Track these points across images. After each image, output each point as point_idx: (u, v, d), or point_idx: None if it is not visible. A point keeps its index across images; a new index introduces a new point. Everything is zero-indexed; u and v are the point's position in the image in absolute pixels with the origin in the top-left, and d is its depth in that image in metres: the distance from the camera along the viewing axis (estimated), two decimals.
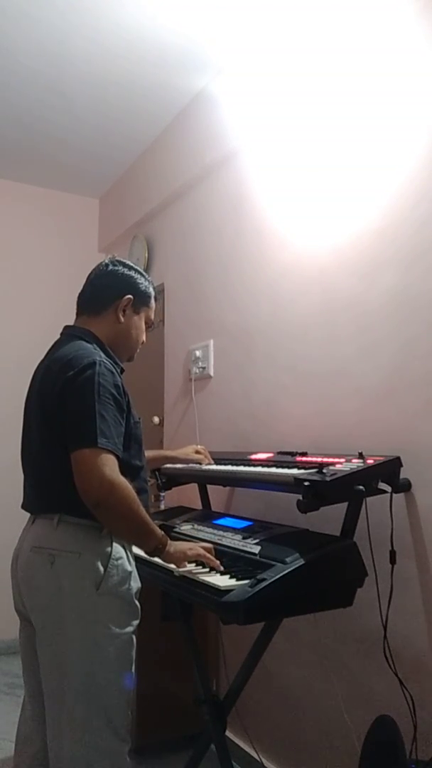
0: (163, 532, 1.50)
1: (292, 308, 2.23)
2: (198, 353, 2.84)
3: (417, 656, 1.64)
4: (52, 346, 1.62)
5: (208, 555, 1.58)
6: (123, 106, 3.03)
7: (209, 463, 2.18)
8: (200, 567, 1.59)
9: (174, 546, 1.53)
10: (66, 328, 1.66)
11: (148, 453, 1.80)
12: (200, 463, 2.17)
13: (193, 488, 2.51)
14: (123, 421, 1.47)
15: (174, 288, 3.17)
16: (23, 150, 3.50)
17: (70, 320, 1.70)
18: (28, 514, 1.58)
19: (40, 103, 3.02)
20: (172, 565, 1.58)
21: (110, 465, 1.36)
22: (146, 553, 1.51)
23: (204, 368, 2.79)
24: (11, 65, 2.73)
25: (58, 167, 3.71)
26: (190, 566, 1.59)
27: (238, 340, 2.57)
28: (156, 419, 3.22)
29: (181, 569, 1.57)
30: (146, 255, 3.43)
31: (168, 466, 2.25)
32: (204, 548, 1.59)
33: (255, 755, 2.22)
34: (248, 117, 2.52)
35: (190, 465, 2.18)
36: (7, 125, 3.23)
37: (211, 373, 2.75)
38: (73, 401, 1.41)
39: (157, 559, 1.54)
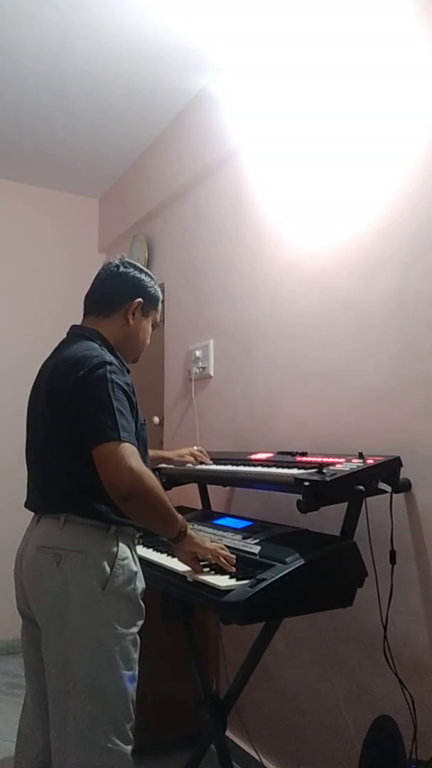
0: (182, 516, 1.51)
1: (292, 308, 2.23)
2: (198, 353, 2.84)
3: (417, 656, 1.64)
4: (59, 345, 1.61)
5: (228, 555, 1.57)
6: (123, 106, 3.03)
7: (201, 464, 2.17)
8: (207, 569, 1.58)
9: (194, 532, 1.54)
10: (73, 327, 1.66)
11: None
12: (192, 464, 2.16)
13: (193, 488, 2.51)
14: (133, 419, 1.47)
15: (174, 288, 3.16)
16: (23, 150, 3.50)
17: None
18: (30, 514, 1.57)
19: (40, 103, 3.02)
20: (184, 567, 1.57)
21: (136, 456, 1.38)
22: (170, 539, 1.51)
23: (204, 368, 2.79)
24: (11, 65, 2.72)
25: (58, 167, 3.70)
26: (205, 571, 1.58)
27: (238, 340, 2.57)
28: (156, 419, 3.22)
29: (195, 576, 1.56)
30: (146, 255, 3.43)
31: (167, 466, 2.25)
32: (224, 555, 1.57)
33: (255, 755, 2.22)
34: (248, 117, 2.52)
35: (188, 465, 2.18)
36: (7, 125, 3.23)
37: (211, 373, 2.75)
38: (88, 399, 1.41)
39: (157, 559, 1.54)
